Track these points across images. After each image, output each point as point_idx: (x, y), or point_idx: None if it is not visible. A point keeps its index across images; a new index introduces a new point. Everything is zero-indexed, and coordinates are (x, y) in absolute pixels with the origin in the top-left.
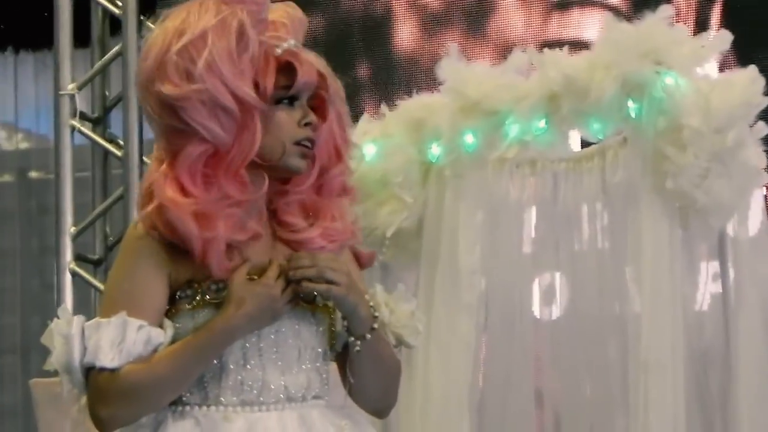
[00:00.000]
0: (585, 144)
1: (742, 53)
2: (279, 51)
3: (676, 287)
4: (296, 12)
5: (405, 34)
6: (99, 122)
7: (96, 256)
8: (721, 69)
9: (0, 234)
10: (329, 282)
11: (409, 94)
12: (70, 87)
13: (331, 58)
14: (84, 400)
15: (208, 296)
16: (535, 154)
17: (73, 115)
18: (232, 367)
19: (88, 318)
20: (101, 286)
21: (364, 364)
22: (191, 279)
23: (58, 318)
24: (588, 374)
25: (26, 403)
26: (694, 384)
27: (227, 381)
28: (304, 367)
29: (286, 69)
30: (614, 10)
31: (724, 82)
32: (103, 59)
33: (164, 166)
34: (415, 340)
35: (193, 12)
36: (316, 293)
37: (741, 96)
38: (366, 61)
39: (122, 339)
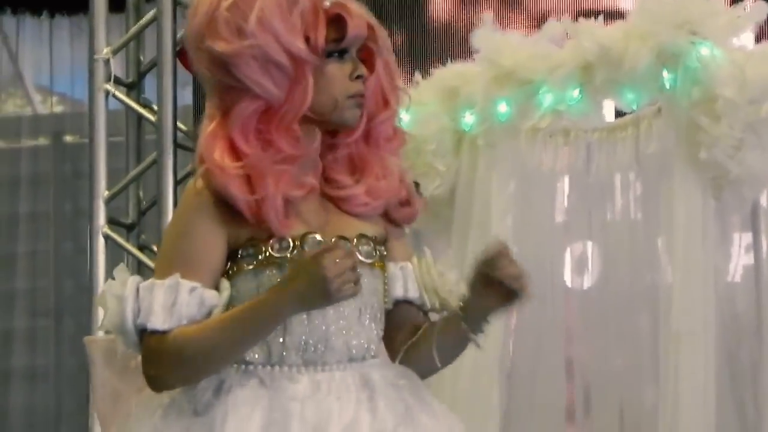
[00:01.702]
0: (619, 114)
1: None
2: (328, 3)
3: (709, 258)
4: None
5: (440, 3)
6: (133, 87)
7: (129, 221)
8: (758, 40)
9: (34, 197)
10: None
11: (444, 62)
12: (105, 51)
13: None
14: (139, 359)
15: (271, 253)
16: (568, 124)
17: (108, 80)
18: (296, 325)
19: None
20: (134, 250)
21: (449, 352)
22: (252, 237)
23: (113, 279)
24: (619, 344)
25: (59, 366)
26: (725, 354)
27: (292, 340)
28: (364, 326)
29: (336, 22)
30: None
31: (759, 54)
32: (137, 24)
33: (214, 124)
34: (456, 305)
35: None
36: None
37: None
38: (401, 29)
39: (174, 301)
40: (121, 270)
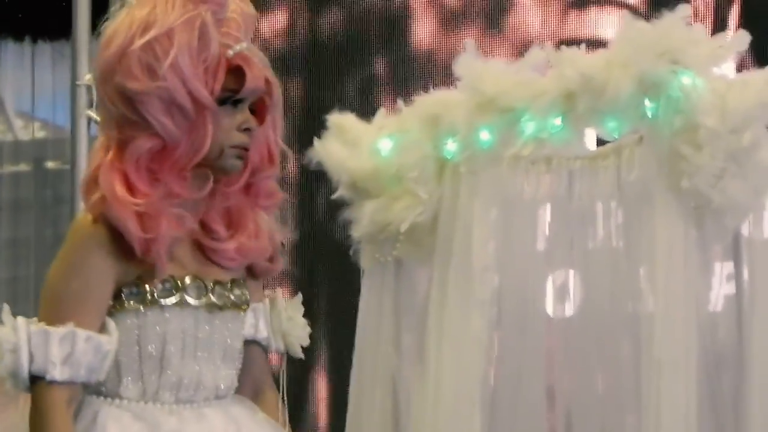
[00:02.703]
0: (601, 142)
1: (760, 54)
2: (231, 53)
3: (690, 287)
4: (248, 7)
5: (422, 30)
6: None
7: None
8: (739, 69)
9: (15, 223)
10: None
11: (426, 89)
12: (87, 77)
13: (349, 52)
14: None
15: (155, 296)
16: (550, 152)
17: (90, 106)
18: (172, 365)
19: None
20: None
21: None
22: (139, 276)
23: (1, 322)
24: (600, 373)
25: None
26: (707, 384)
27: (167, 378)
28: (227, 366)
29: (236, 72)
30: (632, 8)
31: (740, 83)
32: None
33: (111, 155)
34: (300, 352)
35: (160, 5)
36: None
37: (757, 96)
38: (383, 56)
39: (71, 351)
40: (6, 313)
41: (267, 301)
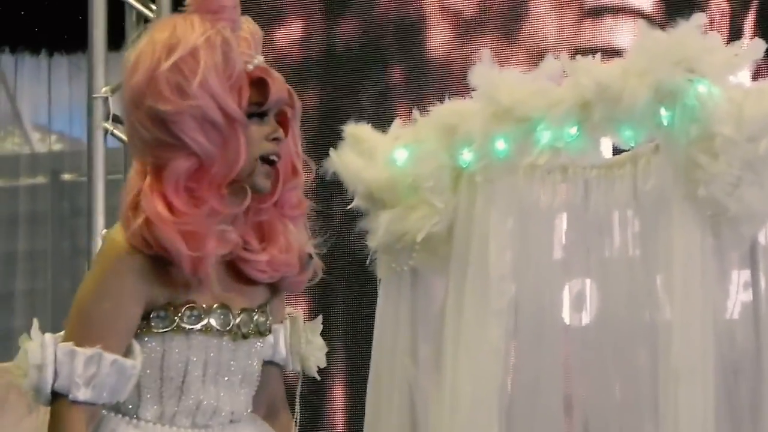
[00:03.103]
0: (617, 151)
1: None
2: (251, 67)
3: (707, 295)
4: (254, 27)
5: (438, 40)
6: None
7: None
8: (755, 77)
9: (32, 235)
10: None
11: (441, 99)
12: (104, 90)
13: (365, 62)
14: (18, 392)
15: (180, 323)
16: (566, 161)
17: (107, 118)
18: (192, 390)
19: None
20: None
21: None
22: (169, 302)
23: (30, 338)
24: (617, 381)
25: None
26: (724, 392)
27: (186, 402)
28: (244, 389)
29: (258, 84)
30: (647, 17)
31: (757, 91)
32: None
33: (149, 180)
34: (315, 372)
35: (180, 27)
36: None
37: None
38: (399, 65)
39: (95, 373)
40: (36, 330)
41: (288, 321)
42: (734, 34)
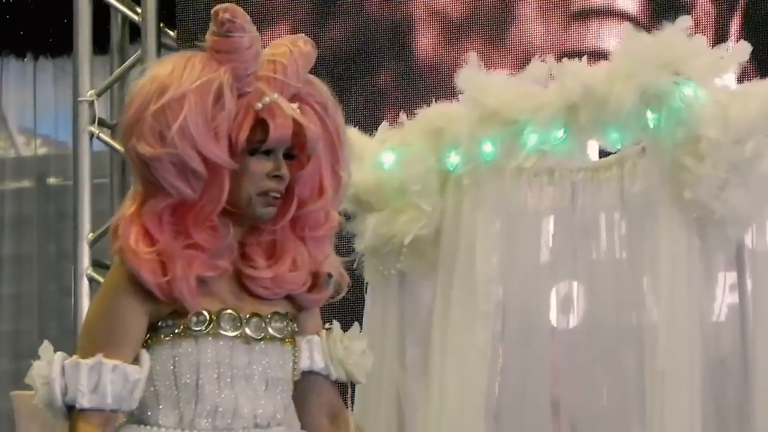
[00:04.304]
0: (603, 154)
1: (762, 64)
2: (259, 106)
3: (694, 297)
4: (302, 47)
5: (425, 43)
6: (117, 129)
7: None
8: (740, 80)
9: (18, 239)
10: None
11: (429, 102)
12: (89, 93)
13: (352, 66)
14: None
15: (188, 326)
16: (553, 164)
17: (92, 122)
18: (207, 394)
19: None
20: None
21: None
22: (174, 311)
23: (39, 357)
24: (604, 384)
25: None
26: (711, 394)
27: (203, 406)
28: (270, 397)
29: (264, 123)
30: (633, 20)
31: (742, 93)
32: (122, 66)
33: (132, 210)
34: (363, 377)
35: (178, 68)
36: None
37: (759, 107)
38: (386, 69)
39: (98, 382)
40: (46, 348)
41: (324, 332)
42: (720, 36)
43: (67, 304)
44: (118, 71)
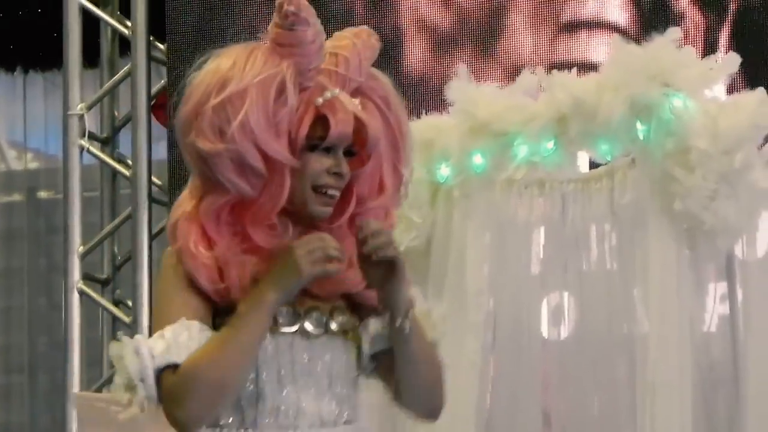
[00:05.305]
0: (593, 165)
1: (751, 75)
2: (320, 101)
3: (684, 308)
4: (366, 40)
5: (415, 55)
6: (108, 142)
7: (104, 276)
8: (730, 91)
9: (8, 253)
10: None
11: (419, 115)
12: (79, 107)
13: None
14: (128, 411)
15: None
16: (543, 175)
17: (82, 135)
18: (268, 392)
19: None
20: (109, 306)
21: (407, 355)
22: (228, 306)
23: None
24: (595, 394)
25: (33, 423)
26: (702, 404)
27: (264, 405)
28: (335, 394)
29: (324, 119)
30: (622, 32)
31: (732, 104)
32: (112, 79)
33: (192, 207)
34: (435, 335)
35: (240, 61)
36: (381, 257)
37: (749, 118)
38: None
39: (189, 337)
40: (125, 338)
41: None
42: (709, 47)
43: (58, 318)
44: (108, 84)
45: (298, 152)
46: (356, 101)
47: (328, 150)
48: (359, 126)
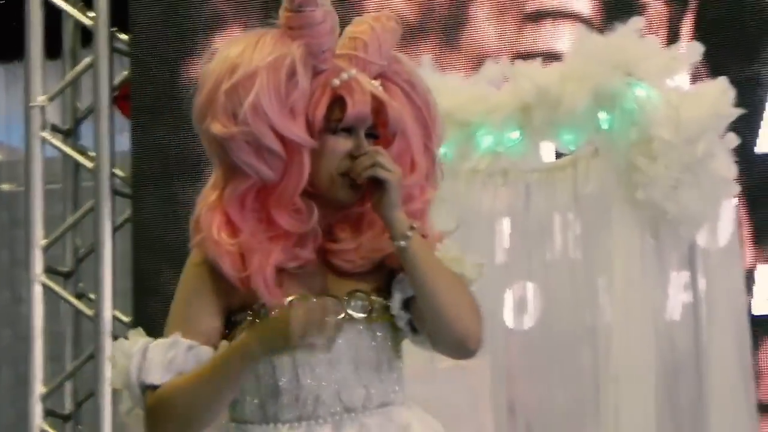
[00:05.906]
0: (557, 155)
1: (714, 65)
2: (336, 83)
3: (648, 297)
4: (385, 23)
5: None
6: (70, 134)
7: (66, 269)
8: (693, 80)
9: None
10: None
11: None
12: (41, 99)
13: None
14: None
15: (258, 319)
16: (507, 165)
17: (44, 127)
18: (286, 386)
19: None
20: (71, 299)
21: (417, 281)
22: (244, 304)
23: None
24: (560, 384)
25: None
26: (665, 392)
27: (283, 399)
28: (362, 380)
29: (342, 100)
30: (586, 21)
31: (694, 94)
32: (74, 71)
33: (215, 196)
34: (469, 276)
35: (249, 47)
36: (376, 176)
37: (711, 107)
38: None
39: (172, 358)
40: (136, 333)
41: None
42: (672, 37)
43: (21, 311)
44: (69, 76)
45: (316, 134)
46: (377, 83)
47: (350, 132)
48: (378, 106)
